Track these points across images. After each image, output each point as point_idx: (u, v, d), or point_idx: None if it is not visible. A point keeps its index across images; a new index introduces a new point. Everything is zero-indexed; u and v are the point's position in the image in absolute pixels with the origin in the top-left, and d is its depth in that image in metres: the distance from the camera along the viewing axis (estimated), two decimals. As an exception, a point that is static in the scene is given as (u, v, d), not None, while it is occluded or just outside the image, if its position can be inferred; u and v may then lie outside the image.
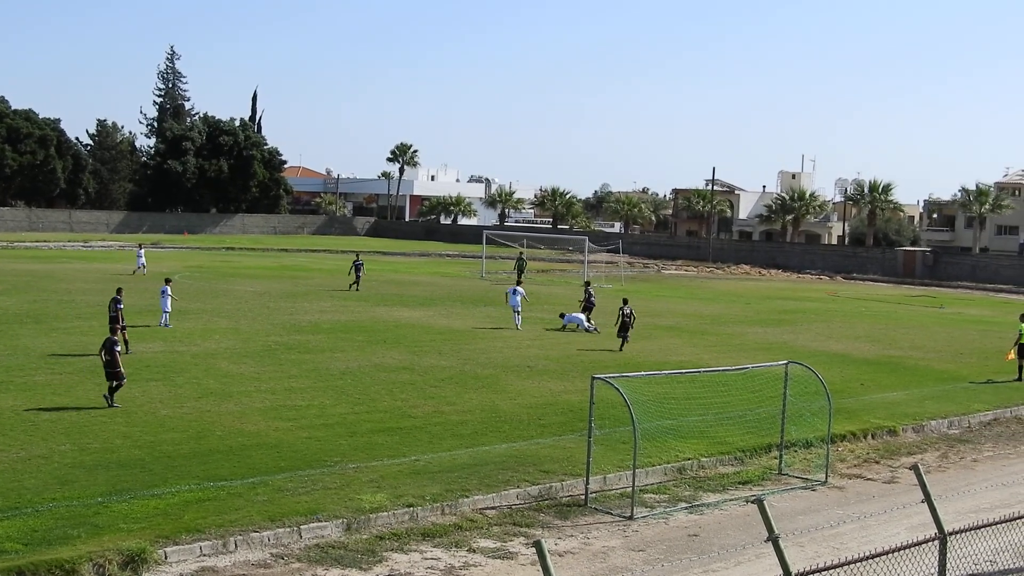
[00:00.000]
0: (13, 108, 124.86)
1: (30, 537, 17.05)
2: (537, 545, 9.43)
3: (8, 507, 18.47)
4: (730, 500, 22.02)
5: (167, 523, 18.00)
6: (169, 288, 42.15)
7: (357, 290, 59.66)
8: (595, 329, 44.74)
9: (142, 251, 69.90)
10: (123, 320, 35.40)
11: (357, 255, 66.27)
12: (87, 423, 24.88)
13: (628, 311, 41.12)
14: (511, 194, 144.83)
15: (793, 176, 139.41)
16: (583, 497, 21.18)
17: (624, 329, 40.81)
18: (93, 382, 29.65)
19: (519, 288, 46.87)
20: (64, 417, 25.40)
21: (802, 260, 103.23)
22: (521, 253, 77.21)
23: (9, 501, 18.82)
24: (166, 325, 40.80)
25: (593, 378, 21.55)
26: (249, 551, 17.53)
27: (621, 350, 39.98)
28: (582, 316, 45.66)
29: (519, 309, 45.79)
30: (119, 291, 37.06)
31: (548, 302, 51.23)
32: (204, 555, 17.18)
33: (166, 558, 16.83)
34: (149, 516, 18.34)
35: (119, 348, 27.80)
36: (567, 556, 18.07)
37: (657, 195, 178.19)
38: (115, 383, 27.05)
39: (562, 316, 46.25)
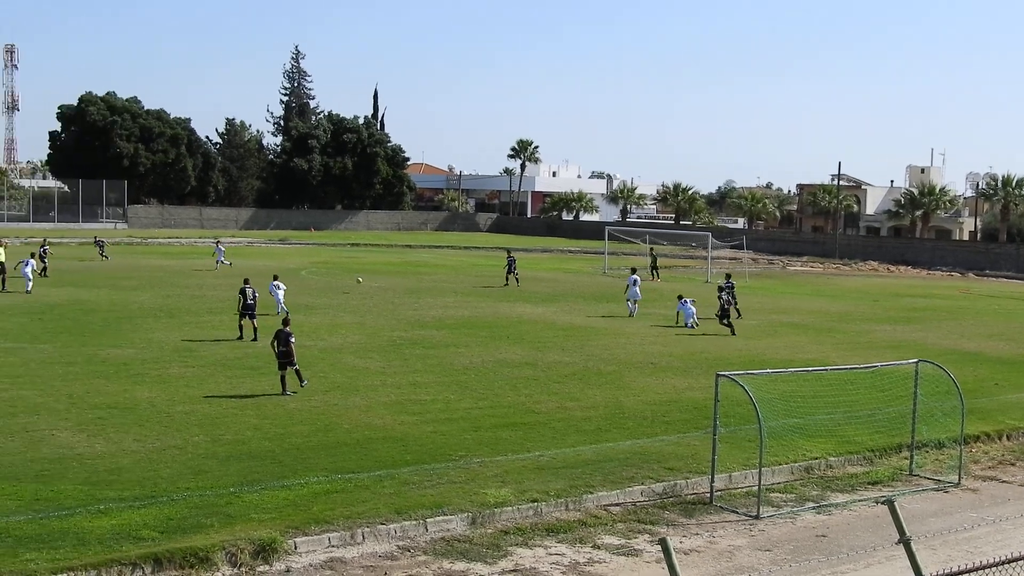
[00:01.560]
0: (146, 108, 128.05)
1: (165, 525, 17.50)
2: (663, 543, 9.36)
3: (145, 496, 18.99)
4: (859, 500, 21.65)
5: (296, 514, 18.32)
6: (278, 282, 44.39)
7: (507, 285, 60.62)
8: (695, 324, 44.72)
9: (222, 247, 70.61)
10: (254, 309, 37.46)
11: (508, 251, 67.06)
12: (219, 415, 25.45)
13: (725, 297, 43.73)
14: (633, 190, 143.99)
15: (922, 170, 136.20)
16: (708, 495, 21.01)
17: (725, 315, 43.30)
18: (224, 375, 30.32)
19: (638, 279, 48.83)
20: (197, 409, 26.00)
21: (932, 256, 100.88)
22: (652, 249, 77.13)
23: (146, 490, 19.36)
24: (282, 310, 42.42)
25: (718, 375, 21.37)
26: (376, 543, 17.76)
27: (734, 334, 42.25)
28: (694, 311, 45.28)
29: (638, 299, 48.03)
30: (247, 281, 39.05)
31: (671, 299, 50.73)
32: (332, 546, 17.45)
33: (296, 548, 17.13)
34: (279, 507, 18.69)
35: (294, 340, 28.47)
36: (692, 554, 17.95)
37: (781, 190, 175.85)
38: (289, 368, 28.16)
39: (680, 299, 46.11)
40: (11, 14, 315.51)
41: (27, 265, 51.00)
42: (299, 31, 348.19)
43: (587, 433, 25.06)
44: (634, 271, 51.42)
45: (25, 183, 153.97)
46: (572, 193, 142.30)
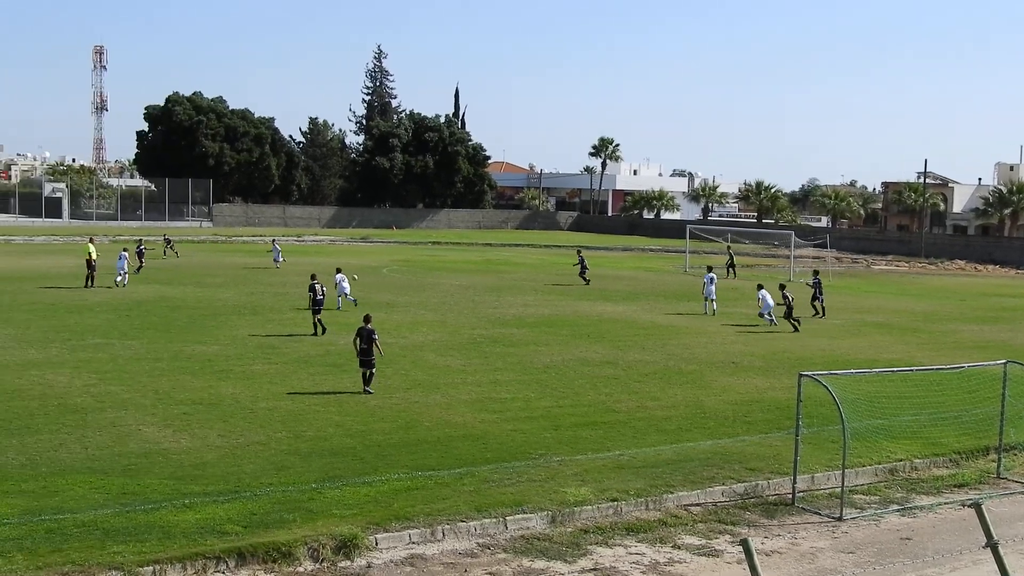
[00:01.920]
0: (231, 108, 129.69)
1: (249, 520, 17.71)
2: (744, 544, 9.32)
3: (228, 490, 19.24)
4: (945, 503, 21.29)
5: (378, 510, 18.44)
6: (342, 275, 46.70)
7: (588, 283, 60.61)
8: (773, 321, 44.25)
9: (278, 246, 70.65)
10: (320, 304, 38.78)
11: (579, 250, 67.19)
12: (302, 411, 25.71)
13: (789, 295, 44.04)
14: (714, 188, 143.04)
15: (1011, 168, 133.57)
16: (790, 496, 20.80)
17: (791, 313, 43.51)
18: (307, 371, 30.62)
19: (714, 276, 49.10)
20: (280, 405, 26.29)
21: (1021, 256, 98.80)
22: (728, 247, 76.60)
23: (229, 485, 19.61)
24: (352, 301, 44.60)
25: (800, 375, 21.15)
26: (456, 540, 17.82)
27: (797, 331, 42.61)
28: (771, 304, 44.88)
29: (714, 298, 48.31)
30: (314, 277, 40.48)
31: (751, 298, 50.31)
32: (413, 542, 17.54)
33: (377, 544, 17.25)
34: (360, 503, 18.83)
35: (376, 337, 28.55)
36: (774, 556, 17.79)
37: (866, 188, 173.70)
38: (368, 371, 28.18)
39: (759, 288, 45.90)
40: (100, 16, 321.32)
41: (122, 259, 53.28)
42: (382, 31, 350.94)
43: (667, 432, 24.95)
44: (710, 269, 51.30)
45: (113, 182, 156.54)
46: (653, 191, 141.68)
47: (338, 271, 47.44)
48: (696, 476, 21.40)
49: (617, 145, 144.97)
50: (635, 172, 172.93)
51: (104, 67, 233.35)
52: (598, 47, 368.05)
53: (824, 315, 47.26)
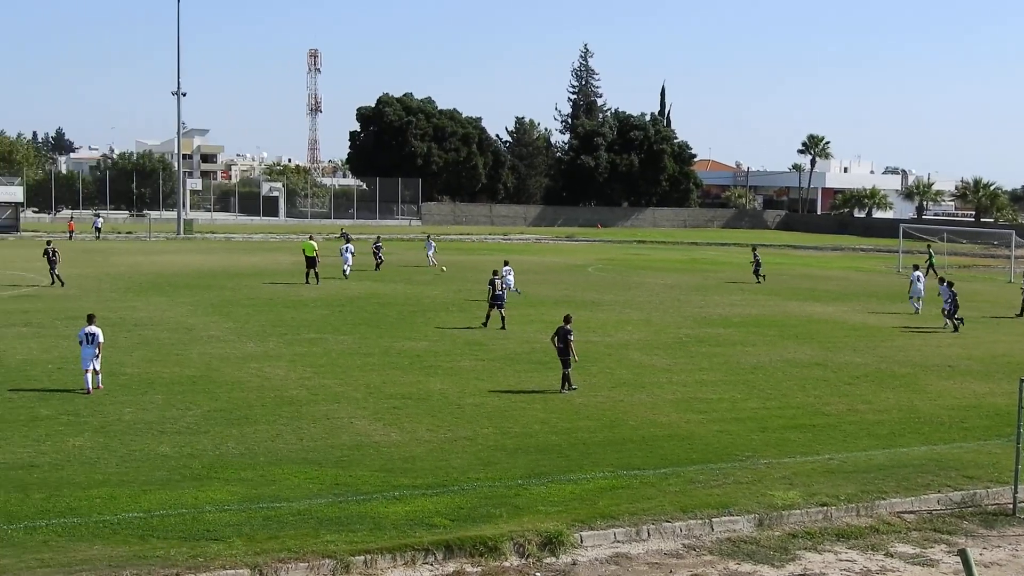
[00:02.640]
0: (439, 108, 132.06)
1: (456, 514, 17.98)
2: (962, 554, 9.01)
3: (436, 484, 19.58)
4: None
5: (582, 508, 18.48)
6: (508, 268, 47.86)
7: (760, 281, 59.94)
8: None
9: (432, 242, 70.38)
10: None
11: (754, 248, 66.60)
12: (508, 408, 25.97)
13: (951, 292, 42.41)
14: (929, 186, 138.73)
15: None
16: (1011, 506, 19.94)
17: (954, 312, 42.27)
18: (512, 368, 30.91)
19: (920, 275, 47.84)
20: (487, 401, 26.62)
21: None
22: (929, 246, 74.14)
23: (437, 479, 19.96)
24: (516, 292, 45.76)
25: (1022, 380, 20.29)
26: (661, 540, 17.72)
27: (956, 331, 41.45)
28: (921, 290, 43.50)
29: (921, 296, 46.94)
30: (495, 272, 41.67)
31: (971, 299, 48.60)
32: (618, 541, 17.52)
33: (581, 542, 17.28)
34: (565, 500, 18.90)
35: (572, 338, 28.53)
36: (993, 568, 17.11)
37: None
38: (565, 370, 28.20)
39: (914, 269, 44.67)
40: (315, 20, 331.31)
41: (347, 251, 57.48)
42: (588, 29, 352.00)
43: (880, 437, 24.28)
44: (916, 268, 50.14)
45: (327, 181, 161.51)
46: (864, 189, 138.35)
47: (505, 263, 48.09)
48: (910, 482, 20.75)
49: (827, 142, 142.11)
50: (845, 170, 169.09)
51: (319, 70, 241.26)
52: (807, 43, 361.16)
53: None
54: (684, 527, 18.07)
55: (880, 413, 26.71)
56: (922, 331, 41.68)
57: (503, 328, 38.45)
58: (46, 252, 50.80)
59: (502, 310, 39.23)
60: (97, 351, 26.49)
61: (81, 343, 26.59)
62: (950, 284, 42.95)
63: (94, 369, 26.46)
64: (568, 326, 28.51)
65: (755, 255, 62.71)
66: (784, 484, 20.25)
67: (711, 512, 18.58)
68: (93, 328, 26.74)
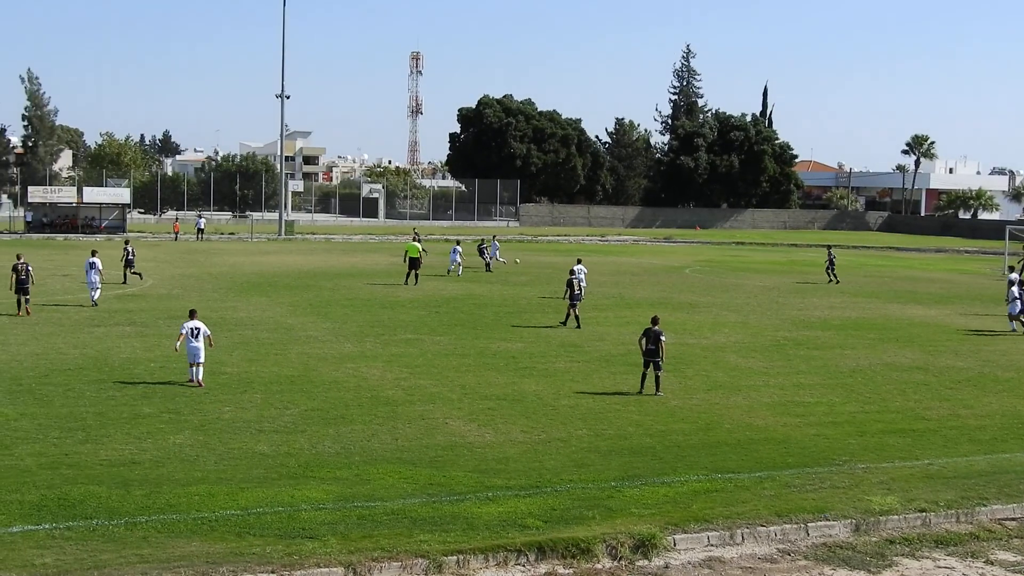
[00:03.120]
0: (539, 110, 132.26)
1: (549, 515, 17.99)
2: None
3: (530, 485, 19.61)
4: None
5: (676, 511, 18.39)
6: (582, 266, 46.83)
7: (832, 282, 60.36)
8: (1014, 328, 41.73)
9: (496, 243, 69.58)
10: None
11: (829, 248, 66.28)
12: (602, 409, 25.92)
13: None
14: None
15: None
16: (1117, 515, 19.46)
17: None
18: (608, 370, 30.84)
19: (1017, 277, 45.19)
20: (581, 403, 26.59)
21: None
22: (1023, 246, 72.56)
23: (531, 480, 19.99)
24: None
25: None
26: (755, 544, 17.57)
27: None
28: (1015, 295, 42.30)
29: (1017, 298, 42.73)
30: (573, 272, 42.02)
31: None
32: (711, 545, 17.40)
33: (675, 545, 17.20)
34: (659, 503, 18.82)
35: (664, 339, 28.35)
36: (1098, 577, 16.69)
37: None
38: (655, 372, 28.01)
39: (1009, 270, 43.57)
40: (417, 23, 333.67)
41: (455, 253, 59.38)
42: (690, 30, 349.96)
43: (981, 443, 23.80)
44: (1012, 270, 49.20)
45: (426, 183, 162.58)
46: (970, 191, 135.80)
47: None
48: (1013, 489, 20.31)
49: (932, 142, 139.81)
50: (950, 170, 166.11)
51: (420, 72, 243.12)
52: (912, 41, 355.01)
53: None
54: (779, 531, 17.90)
55: (982, 418, 26.19)
56: (1028, 335, 40.76)
57: (578, 328, 38.83)
58: (125, 252, 51.59)
59: (575, 309, 39.80)
60: (207, 343, 27.60)
61: (186, 337, 27.23)
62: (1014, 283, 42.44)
63: (199, 362, 27.26)
64: (657, 327, 28.07)
65: (830, 255, 62.37)
66: (882, 489, 19.95)
67: (807, 516, 18.38)
68: (196, 323, 27.42)
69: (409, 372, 30.12)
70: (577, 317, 39.51)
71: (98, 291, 42.36)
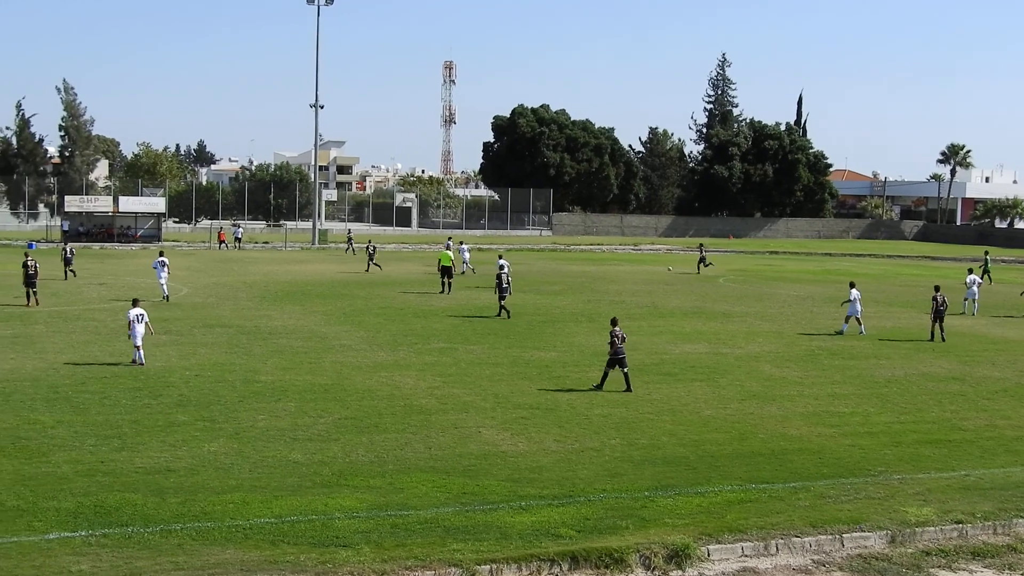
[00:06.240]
0: (572, 119, 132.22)
1: (582, 524, 17.97)
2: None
3: (563, 495, 19.59)
4: None
5: (710, 521, 18.32)
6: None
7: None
8: None
9: (465, 245, 71.43)
10: None
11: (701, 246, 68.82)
12: (635, 419, 25.86)
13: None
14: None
15: None
16: None
17: None
18: (640, 380, 30.72)
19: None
20: (614, 412, 26.53)
21: None
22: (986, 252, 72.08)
23: (564, 489, 19.96)
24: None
25: None
26: (790, 555, 17.49)
27: None
28: None
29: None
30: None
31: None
32: (746, 555, 17.33)
33: (708, 555, 17.14)
34: (693, 513, 18.75)
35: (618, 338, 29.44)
36: None
37: None
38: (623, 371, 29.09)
39: None
40: (451, 33, 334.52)
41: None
42: (725, 39, 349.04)
43: (1019, 454, 23.59)
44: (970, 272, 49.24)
45: (459, 192, 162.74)
46: (1007, 200, 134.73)
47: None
48: (1050, 501, 20.13)
49: (968, 151, 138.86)
50: (987, 179, 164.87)
51: (453, 82, 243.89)
52: (947, 51, 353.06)
53: None
54: (814, 542, 17.80)
55: (1019, 429, 25.96)
56: (1066, 345, 40.41)
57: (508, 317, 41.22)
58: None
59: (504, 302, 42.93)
60: (148, 329, 31.76)
61: (131, 323, 31.12)
62: None
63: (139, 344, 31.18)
64: (618, 328, 29.68)
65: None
66: (918, 500, 19.81)
67: (842, 527, 18.28)
68: (140, 310, 31.47)
69: (442, 381, 30.15)
70: (506, 309, 43.48)
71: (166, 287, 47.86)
